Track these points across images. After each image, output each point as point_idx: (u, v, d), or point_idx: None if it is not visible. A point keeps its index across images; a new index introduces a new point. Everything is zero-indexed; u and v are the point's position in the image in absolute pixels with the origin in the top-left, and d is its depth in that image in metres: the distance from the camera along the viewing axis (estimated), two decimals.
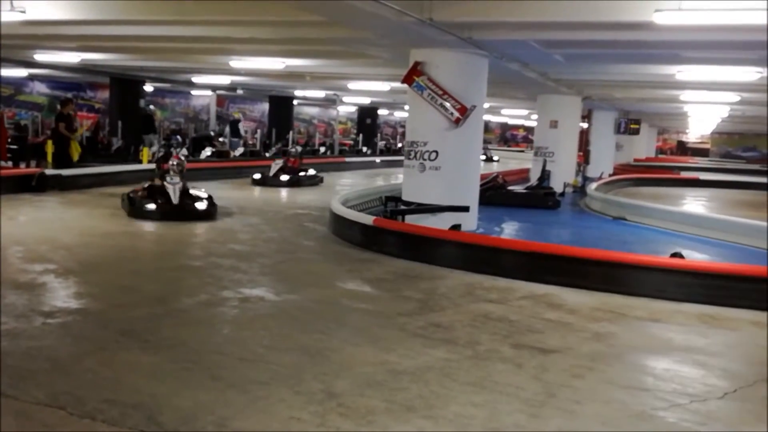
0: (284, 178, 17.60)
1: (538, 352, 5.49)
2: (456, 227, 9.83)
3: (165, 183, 11.41)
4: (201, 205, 11.48)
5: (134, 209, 11.24)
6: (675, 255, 8.30)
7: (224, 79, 23.29)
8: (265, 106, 33.57)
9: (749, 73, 12.26)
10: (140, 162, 18.25)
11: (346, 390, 4.49)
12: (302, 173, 18.36)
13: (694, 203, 20.03)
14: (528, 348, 5.59)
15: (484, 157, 32.72)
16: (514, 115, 36.48)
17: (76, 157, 15.34)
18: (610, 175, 22.63)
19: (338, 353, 5.21)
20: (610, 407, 4.51)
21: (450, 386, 4.66)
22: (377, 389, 4.53)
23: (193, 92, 31.72)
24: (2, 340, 5.07)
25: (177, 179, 11.46)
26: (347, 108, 37.28)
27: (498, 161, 34.13)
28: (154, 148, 21.14)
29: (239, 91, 29.18)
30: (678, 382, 5.00)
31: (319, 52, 14.52)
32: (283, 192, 16.89)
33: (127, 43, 14.68)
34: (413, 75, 10.75)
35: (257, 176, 17.92)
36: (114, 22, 11.13)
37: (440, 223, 10.20)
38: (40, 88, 26.83)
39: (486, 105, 13.24)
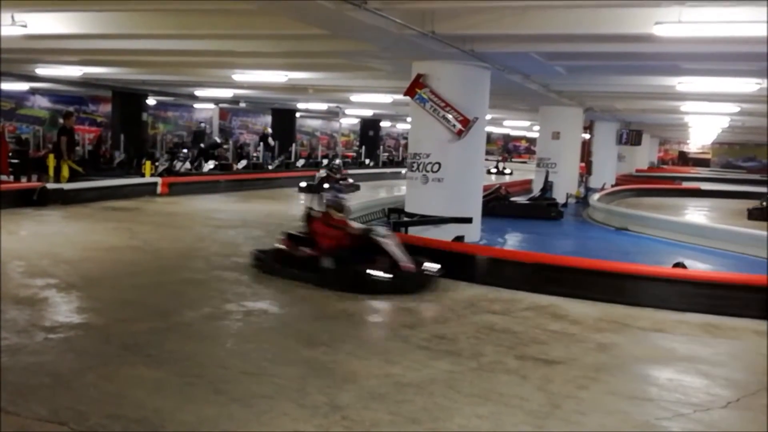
0: None
1: (543, 364, 5.48)
2: (459, 239, 9.83)
3: (378, 238, 7.92)
4: (432, 266, 8.04)
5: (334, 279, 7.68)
6: (677, 265, 8.29)
7: (227, 93, 23.32)
8: (268, 119, 33.64)
9: (749, 84, 12.27)
10: (143, 175, 18.26)
11: (351, 403, 4.48)
12: None
13: (696, 213, 20.03)
14: (532, 359, 5.58)
15: (495, 170, 32.54)
16: (516, 126, 36.50)
17: (66, 176, 15.32)
18: (612, 186, 22.64)
19: (342, 366, 5.20)
20: (614, 418, 4.50)
21: (454, 398, 4.65)
22: (382, 402, 4.52)
23: (196, 105, 31.79)
24: (3, 356, 5.06)
25: (386, 231, 8.21)
26: (350, 120, 37.32)
27: (511, 173, 33.56)
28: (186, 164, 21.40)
29: (242, 104, 29.23)
30: (681, 392, 5.00)
31: (321, 65, 14.56)
32: (287, 205, 16.89)
33: (129, 57, 14.72)
34: (415, 87, 10.78)
35: None
36: (116, 36, 11.16)
37: (443, 234, 10.19)
38: (42, 102, 26.91)
39: (488, 116, 13.26)
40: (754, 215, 16.83)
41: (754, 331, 6.73)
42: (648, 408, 4.69)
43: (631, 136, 24.72)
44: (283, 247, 8.49)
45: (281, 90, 21.41)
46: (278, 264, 8.27)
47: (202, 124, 28.71)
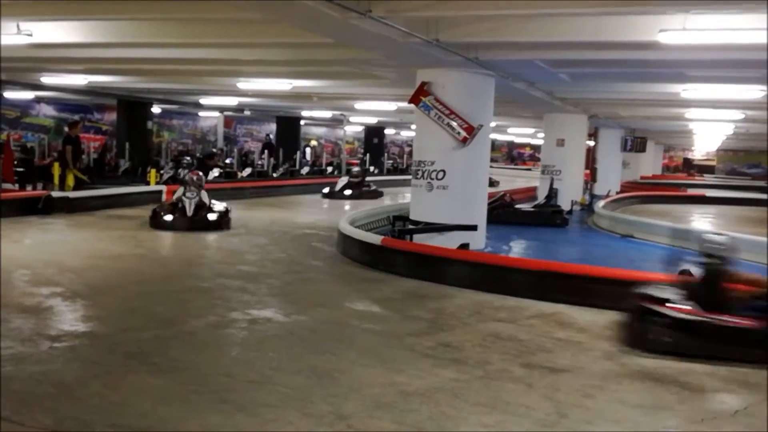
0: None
1: (549, 372, 5.46)
2: (464, 246, 9.81)
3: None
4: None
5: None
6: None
7: (232, 101, 23.38)
8: (273, 127, 33.69)
9: (753, 91, 12.27)
10: (148, 183, 18.28)
11: (356, 412, 4.46)
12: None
13: (701, 220, 19.97)
14: (538, 367, 5.55)
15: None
16: (520, 133, 36.51)
17: (71, 185, 15.35)
18: (617, 193, 22.60)
19: (347, 374, 5.19)
20: (622, 427, 4.48)
21: (460, 407, 4.63)
22: (387, 410, 4.50)
23: (201, 113, 31.85)
24: (8, 365, 5.05)
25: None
26: (354, 128, 37.35)
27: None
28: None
29: (247, 112, 29.32)
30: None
31: (326, 73, 14.58)
32: (291, 212, 16.90)
33: (134, 66, 14.75)
34: (420, 95, 10.78)
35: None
36: (121, 44, 11.19)
37: (448, 242, 10.18)
38: (47, 110, 26.95)
39: (492, 124, 13.27)
40: None
41: None
42: (656, 417, 4.66)
43: (636, 143, 24.69)
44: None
45: (286, 98, 21.43)
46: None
47: (270, 136, 29.29)
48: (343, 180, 21.77)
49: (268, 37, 9.71)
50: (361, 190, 21.28)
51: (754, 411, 4.84)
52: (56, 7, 9.23)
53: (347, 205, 18.91)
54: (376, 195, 21.64)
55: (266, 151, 26.89)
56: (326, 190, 21.32)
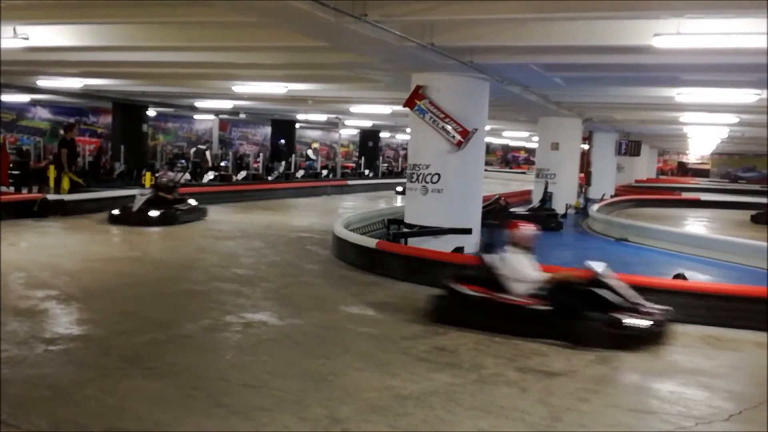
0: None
1: (543, 376, 5.47)
2: (459, 250, 9.82)
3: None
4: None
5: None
6: (678, 276, 8.29)
7: (227, 104, 23.38)
8: (268, 130, 33.68)
9: (748, 95, 12.29)
10: (143, 186, 18.24)
11: (351, 415, 4.47)
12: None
13: (696, 224, 20.03)
14: (533, 371, 5.57)
15: None
16: (515, 137, 36.56)
17: (66, 188, 15.33)
18: (611, 197, 22.66)
19: (342, 378, 5.20)
20: (616, 431, 4.49)
21: (455, 411, 4.64)
22: (382, 414, 4.51)
23: (196, 117, 31.84)
24: (4, 368, 5.05)
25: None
26: (349, 131, 37.37)
27: None
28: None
29: (242, 115, 29.33)
30: (683, 405, 4.98)
31: (321, 76, 14.59)
32: (286, 216, 16.90)
33: (130, 69, 14.76)
34: (415, 99, 10.81)
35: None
36: (117, 48, 11.20)
37: (443, 245, 10.19)
38: (43, 113, 26.93)
39: (487, 127, 13.29)
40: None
41: (755, 343, 6.72)
42: (650, 421, 4.68)
43: (630, 147, 24.73)
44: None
45: (281, 101, 21.45)
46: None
47: (282, 141, 29.62)
48: (146, 193, 14.12)
49: (263, 41, 9.72)
50: (171, 209, 13.85)
51: (749, 415, 4.86)
52: (53, 11, 9.25)
53: (155, 237, 12.60)
54: (197, 216, 14.84)
55: (263, 156, 26.89)
56: (116, 211, 13.59)
